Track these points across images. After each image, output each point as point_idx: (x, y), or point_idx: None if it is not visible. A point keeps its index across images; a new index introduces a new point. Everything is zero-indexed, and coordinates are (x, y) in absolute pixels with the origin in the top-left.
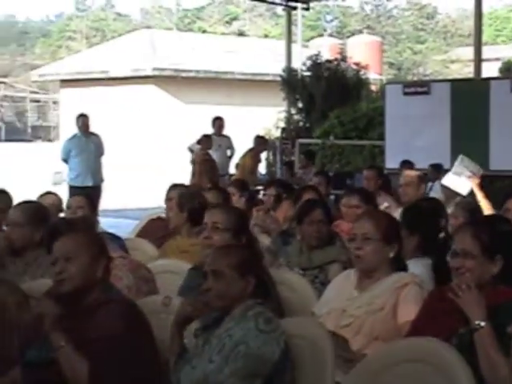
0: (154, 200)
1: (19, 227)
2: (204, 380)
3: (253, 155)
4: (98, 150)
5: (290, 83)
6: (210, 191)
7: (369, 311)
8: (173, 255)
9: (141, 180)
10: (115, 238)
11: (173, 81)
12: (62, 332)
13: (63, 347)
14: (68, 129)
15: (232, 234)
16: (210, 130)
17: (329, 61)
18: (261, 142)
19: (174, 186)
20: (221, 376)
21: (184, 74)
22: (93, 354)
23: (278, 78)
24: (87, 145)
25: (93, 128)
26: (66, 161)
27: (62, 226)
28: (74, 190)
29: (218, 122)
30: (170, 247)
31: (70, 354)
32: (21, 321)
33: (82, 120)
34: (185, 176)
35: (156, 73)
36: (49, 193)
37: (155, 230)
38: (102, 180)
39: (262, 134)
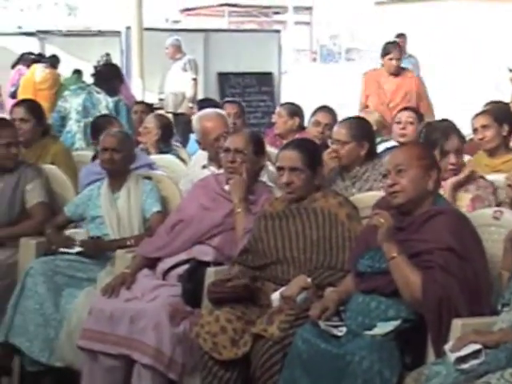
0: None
1: (344, 144)
2: None
3: None
4: (416, 71)
5: None
6: None
7: None
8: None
9: (456, 102)
10: None
11: None
12: (395, 243)
13: (396, 258)
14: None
15: None
16: None
17: None
18: None
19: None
20: None
21: None
22: (424, 265)
23: None
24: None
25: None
26: None
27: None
28: None
29: None
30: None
31: (403, 265)
32: (353, 232)
33: (400, 41)
34: None
35: None
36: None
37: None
38: None
39: None
